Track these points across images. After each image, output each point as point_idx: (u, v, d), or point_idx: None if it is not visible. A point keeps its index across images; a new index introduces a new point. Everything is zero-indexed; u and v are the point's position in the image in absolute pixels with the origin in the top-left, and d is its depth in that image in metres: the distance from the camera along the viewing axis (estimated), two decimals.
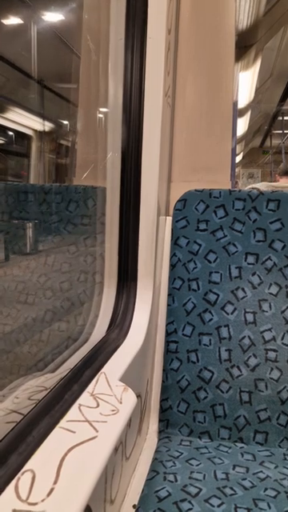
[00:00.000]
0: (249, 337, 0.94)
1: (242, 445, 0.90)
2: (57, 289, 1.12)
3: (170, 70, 1.04)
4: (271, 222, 0.98)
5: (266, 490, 0.73)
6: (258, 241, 0.98)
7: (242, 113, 6.97)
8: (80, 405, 0.58)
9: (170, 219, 1.04)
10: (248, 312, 0.96)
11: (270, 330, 0.94)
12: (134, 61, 0.92)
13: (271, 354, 0.93)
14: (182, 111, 1.16)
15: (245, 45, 4.08)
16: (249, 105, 6.74)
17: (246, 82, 5.46)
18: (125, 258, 0.98)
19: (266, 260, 0.98)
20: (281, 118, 8.36)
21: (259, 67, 5.06)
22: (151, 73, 0.92)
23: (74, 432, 0.52)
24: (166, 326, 0.99)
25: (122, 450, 0.71)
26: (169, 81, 1.02)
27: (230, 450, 0.88)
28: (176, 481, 0.74)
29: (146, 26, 0.91)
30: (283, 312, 0.95)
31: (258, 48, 4.33)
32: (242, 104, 6.40)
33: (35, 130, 3.52)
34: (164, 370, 0.98)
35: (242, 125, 7.88)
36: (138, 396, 0.81)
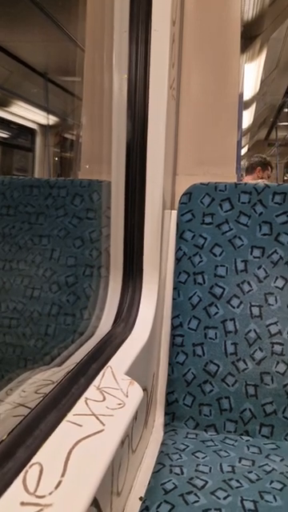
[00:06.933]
0: (254, 330, 0.94)
1: (248, 438, 0.91)
2: None
3: (175, 62, 1.03)
4: (277, 215, 0.98)
5: (271, 482, 0.73)
6: (264, 234, 0.98)
7: (247, 105, 6.91)
8: (86, 398, 0.58)
9: (175, 213, 1.04)
10: (254, 306, 0.96)
11: (275, 323, 0.94)
12: (139, 53, 0.92)
13: (277, 348, 0.93)
14: (187, 104, 1.15)
15: (250, 36, 4.03)
16: (254, 97, 6.67)
17: (252, 74, 5.41)
18: (130, 251, 0.98)
19: (272, 253, 0.97)
20: (287, 110, 8.27)
21: (265, 58, 5.00)
22: (156, 65, 0.91)
23: (80, 425, 0.52)
24: (172, 319, 0.99)
25: (128, 443, 0.71)
26: (174, 73, 1.01)
27: (235, 443, 0.88)
28: (182, 473, 0.75)
29: (151, 18, 0.90)
30: None
31: (263, 39, 4.28)
32: (247, 96, 6.34)
33: None
34: (170, 364, 0.98)
35: (248, 117, 7.82)
36: (144, 389, 0.81)
